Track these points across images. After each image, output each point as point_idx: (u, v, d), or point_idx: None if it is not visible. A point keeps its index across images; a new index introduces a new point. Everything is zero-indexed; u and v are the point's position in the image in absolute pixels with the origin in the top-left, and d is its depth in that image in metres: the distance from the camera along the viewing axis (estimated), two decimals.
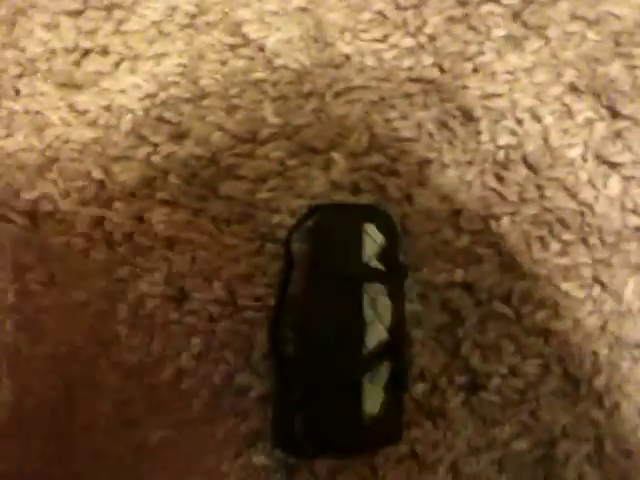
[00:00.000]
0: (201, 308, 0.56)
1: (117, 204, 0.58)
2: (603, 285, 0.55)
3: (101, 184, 0.58)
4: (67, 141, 0.59)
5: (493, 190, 0.57)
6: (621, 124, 0.57)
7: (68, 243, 0.57)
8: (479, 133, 0.58)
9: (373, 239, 0.51)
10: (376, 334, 0.50)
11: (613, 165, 0.57)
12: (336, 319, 0.51)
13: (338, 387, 0.50)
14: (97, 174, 0.58)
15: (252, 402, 0.54)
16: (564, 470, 0.52)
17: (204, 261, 0.57)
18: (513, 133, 0.58)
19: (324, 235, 0.52)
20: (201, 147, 0.58)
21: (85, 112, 0.60)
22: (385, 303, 0.51)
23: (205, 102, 0.59)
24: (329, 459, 0.52)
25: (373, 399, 0.49)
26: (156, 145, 0.59)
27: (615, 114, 0.57)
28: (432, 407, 0.53)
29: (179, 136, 0.59)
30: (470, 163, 0.57)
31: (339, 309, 0.51)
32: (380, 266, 0.51)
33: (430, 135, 0.58)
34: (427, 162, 0.58)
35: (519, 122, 0.58)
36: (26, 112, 0.60)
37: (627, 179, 0.57)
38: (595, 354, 0.54)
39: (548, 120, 0.58)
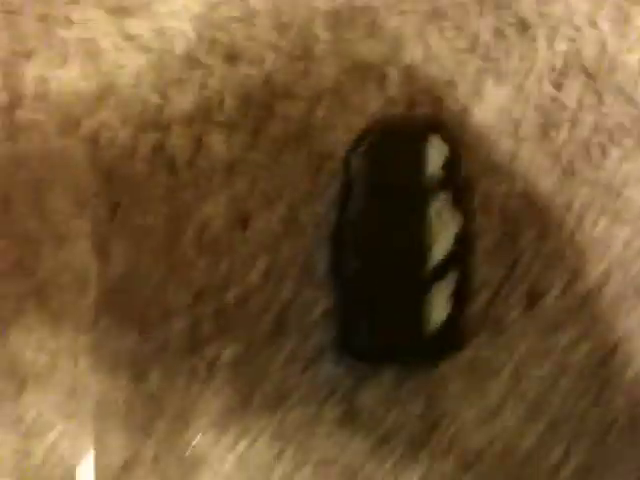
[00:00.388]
0: (264, 228, 0.58)
1: (176, 128, 0.59)
2: None
3: (158, 109, 0.59)
4: (122, 67, 0.60)
5: (551, 98, 0.57)
6: None
7: (130, 170, 0.59)
8: (535, 41, 0.57)
9: (438, 149, 0.52)
10: (442, 245, 0.52)
11: None
12: (401, 231, 0.52)
13: (404, 297, 0.52)
14: (154, 99, 0.59)
15: (317, 318, 0.56)
16: (624, 374, 0.54)
17: (264, 182, 0.58)
18: (570, 40, 0.57)
19: (386, 148, 0.53)
20: (255, 67, 0.59)
21: (137, 37, 0.60)
22: (451, 214, 0.52)
23: (256, 21, 0.59)
24: (395, 366, 0.54)
25: (440, 307, 0.52)
26: (210, 67, 0.59)
27: None
28: (494, 315, 0.55)
29: (233, 57, 0.59)
30: (527, 72, 0.57)
31: (403, 221, 0.52)
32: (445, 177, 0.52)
33: (486, 45, 0.57)
34: (484, 73, 0.57)
35: (576, 29, 0.57)
36: (79, 40, 0.60)
37: None
38: None
39: (605, 26, 0.57)
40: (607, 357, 0.55)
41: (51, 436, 0.57)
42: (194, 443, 0.56)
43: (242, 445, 0.56)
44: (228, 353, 0.57)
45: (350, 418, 0.56)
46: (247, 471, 0.56)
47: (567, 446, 0.54)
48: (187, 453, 0.57)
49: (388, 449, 0.56)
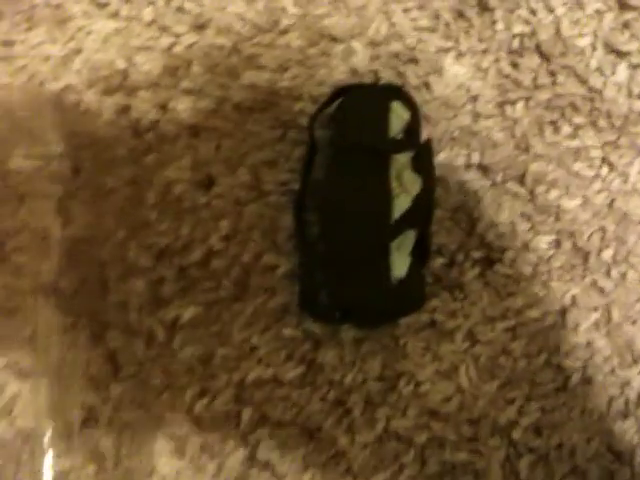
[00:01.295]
0: (228, 192, 0.67)
1: (141, 93, 0.70)
2: (611, 165, 0.68)
3: (125, 74, 0.71)
4: (90, 32, 0.71)
5: (508, 77, 0.71)
6: (629, 15, 0.70)
7: (95, 132, 0.72)
8: (494, 22, 0.70)
9: (399, 115, 0.60)
10: (402, 204, 0.60)
11: (621, 54, 0.68)
12: (362, 193, 0.60)
13: (365, 256, 0.60)
14: (121, 64, 0.70)
15: (279, 279, 0.65)
16: (574, 336, 0.67)
17: (229, 148, 0.68)
18: (527, 22, 0.71)
19: (349, 113, 0.61)
20: (222, 37, 0.70)
21: (106, 4, 0.72)
22: (411, 176, 0.60)
23: None
24: (354, 327, 0.65)
25: (400, 264, 0.60)
26: (178, 35, 0.70)
27: (623, 5, 0.68)
28: (450, 280, 0.66)
29: (200, 26, 0.70)
30: (486, 51, 0.70)
31: (365, 183, 0.60)
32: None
33: (447, 24, 0.71)
34: (444, 51, 0.72)
35: (533, 12, 0.70)
36: (47, 5, 0.73)
37: (634, 67, 0.68)
38: (603, 229, 0.69)
39: (560, 10, 0.70)
40: (556, 321, 0.68)
41: (5, 396, 0.68)
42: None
43: (200, 405, 0.67)
44: (188, 314, 0.66)
45: (309, 379, 0.65)
46: (204, 432, 0.68)
47: (520, 406, 0.67)
48: (143, 414, 0.68)
49: (345, 409, 0.67)
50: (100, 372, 0.64)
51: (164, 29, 0.69)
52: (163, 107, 0.68)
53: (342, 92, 0.64)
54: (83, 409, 0.64)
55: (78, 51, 0.69)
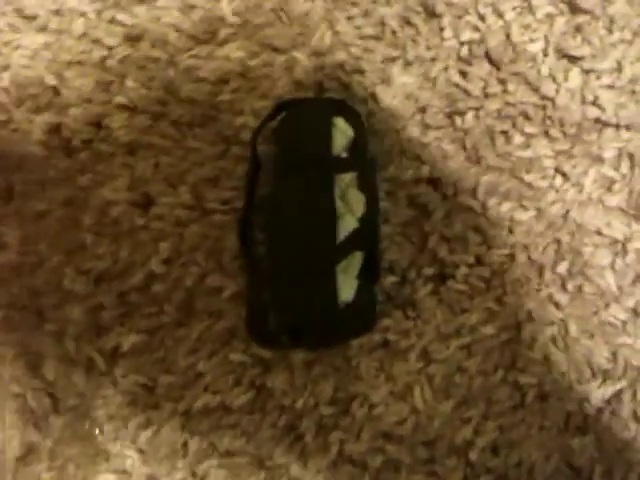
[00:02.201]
0: (168, 213, 0.74)
1: (73, 110, 0.78)
2: (565, 175, 0.77)
3: (55, 90, 0.77)
4: (17, 47, 0.77)
5: (457, 86, 0.80)
6: (580, 19, 0.79)
7: (25, 152, 0.82)
8: (442, 29, 0.78)
9: (342, 132, 0.69)
10: (348, 225, 0.68)
11: (573, 59, 0.77)
12: (307, 212, 0.68)
13: (312, 277, 0.68)
14: (50, 80, 0.76)
15: (225, 302, 0.72)
16: (530, 352, 0.77)
17: (168, 166, 0.75)
18: (476, 29, 0.80)
19: (292, 129, 0.70)
20: (158, 49, 0.78)
21: (34, 17, 0.79)
22: (356, 195, 0.69)
23: (159, 2, 0.84)
24: (304, 350, 0.70)
25: (347, 287, 0.68)
26: (110, 48, 0.77)
27: (574, 9, 0.78)
28: (402, 298, 0.73)
29: (134, 38, 0.77)
30: (434, 60, 0.78)
31: (310, 202, 0.68)
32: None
33: (393, 32, 0.79)
34: (391, 60, 0.81)
35: (481, 18, 0.80)
36: None
37: (586, 72, 0.77)
38: (558, 241, 0.80)
39: (510, 15, 0.80)
40: (512, 337, 0.77)
41: None
42: (95, 435, 0.79)
43: (144, 436, 0.77)
44: (129, 342, 0.72)
45: (258, 405, 0.73)
46: (149, 464, 0.78)
47: (476, 425, 0.79)
48: (85, 448, 0.79)
49: (297, 435, 0.74)
50: (38, 405, 0.72)
51: (96, 42, 0.77)
52: (97, 125, 0.76)
53: (284, 106, 0.72)
54: (21, 445, 0.71)
55: (5, 67, 0.76)
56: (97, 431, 0.73)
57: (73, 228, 0.75)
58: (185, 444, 0.73)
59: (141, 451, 0.72)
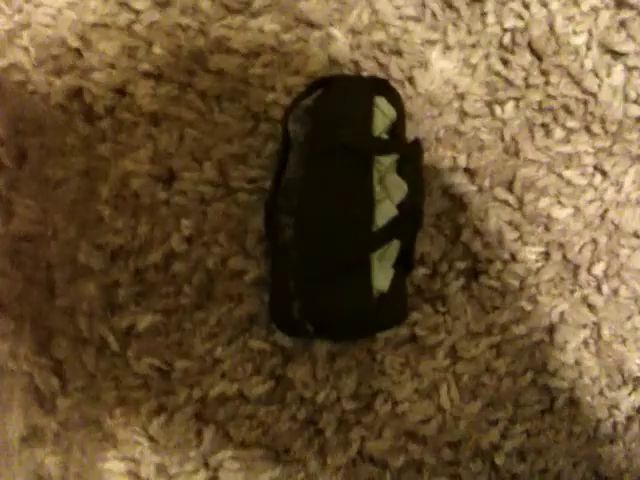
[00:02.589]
0: (191, 189, 0.71)
1: (96, 75, 0.74)
2: (604, 174, 0.75)
3: (78, 53, 0.73)
4: (39, 5, 0.74)
5: (498, 74, 0.77)
6: (626, 14, 0.78)
7: (42, 116, 0.78)
8: (485, 15, 0.75)
9: (384, 112, 0.65)
10: (386, 212, 0.65)
11: (617, 55, 0.74)
12: (341, 197, 0.64)
13: (344, 266, 0.64)
14: (73, 41, 0.72)
15: (247, 286, 0.69)
16: (562, 355, 0.76)
17: (193, 139, 0.72)
18: (519, 17, 0.78)
19: (330, 107, 0.66)
20: (188, 16, 0.77)
21: None
22: (396, 180, 0.65)
23: None
24: (329, 341, 0.72)
25: (382, 276, 0.64)
26: (138, 12, 0.73)
27: (620, 3, 0.74)
28: (432, 292, 0.71)
29: (163, 3, 0.73)
30: (474, 46, 0.76)
31: (345, 186, 0.64)
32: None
33: (434, 15, 0.77)
34: (430, 43, 0.79)
35: (526, 6, 0.77)
36: None
37: (630, 69, 0.74)
38: (595, 242, 0.77)
39: (554, 5, 0.77)
40: (544, 339, 0.76)
41: None
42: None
43: (156, 423, 0.73)
44: (144, 322, 0.69)
45: (277, 396, 0.70)
46: (160, 452, 0.73)
47: (503, 429, 0.76)
48: (92, 432, 0.75)
49: (317, 429, 0.72)
50: (45, 385, 0.68)
51: (123, 5, 0.73)
52: (120, 91, 0.72)
53: (321, 83, 0.69)
54: (25, 426, 0.67)
55: (25, 25, 0.73)
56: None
57: (90, 200, 0.71)
58: (199, 433, 0.70)
59: (152, 438, 0.69)
